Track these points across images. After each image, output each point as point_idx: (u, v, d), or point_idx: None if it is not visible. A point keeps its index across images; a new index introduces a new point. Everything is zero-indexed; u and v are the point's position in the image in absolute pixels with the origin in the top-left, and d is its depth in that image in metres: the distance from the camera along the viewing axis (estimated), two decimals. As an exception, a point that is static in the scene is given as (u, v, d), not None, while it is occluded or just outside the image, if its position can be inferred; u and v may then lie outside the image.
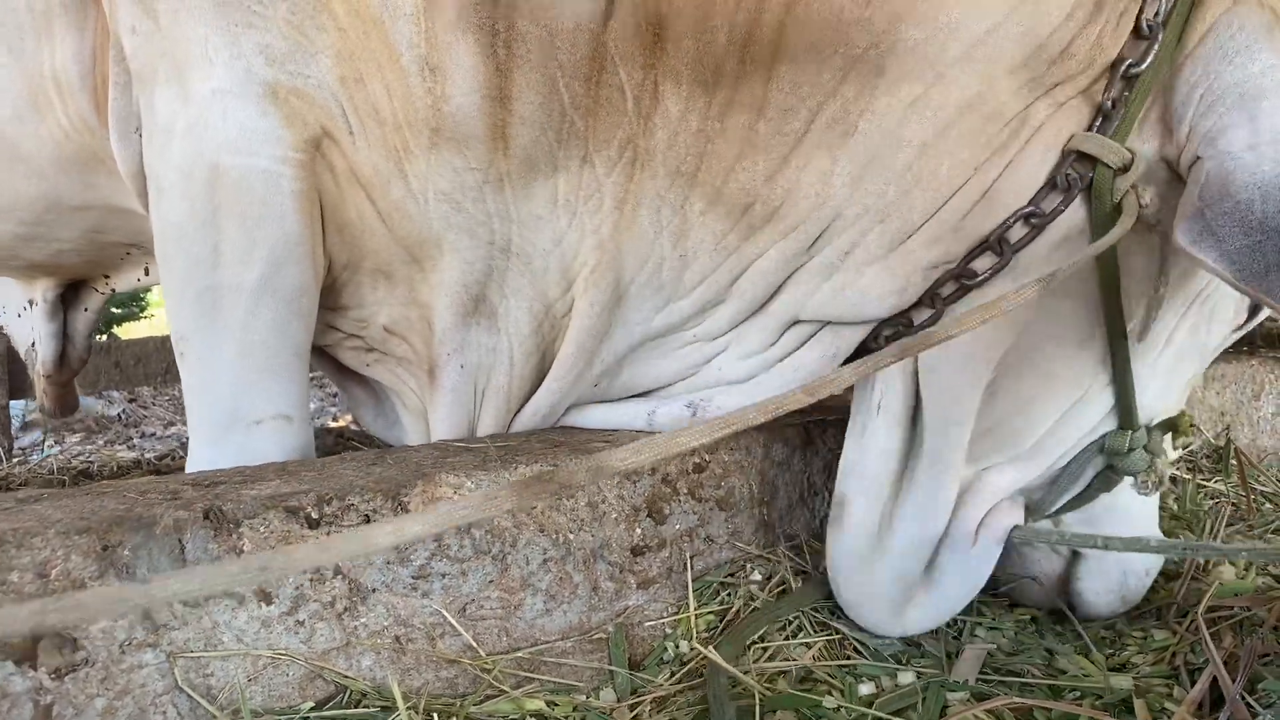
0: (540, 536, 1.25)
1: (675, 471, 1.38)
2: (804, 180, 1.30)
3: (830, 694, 1.23)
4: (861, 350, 1.40)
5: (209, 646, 1.05)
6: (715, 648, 1.24)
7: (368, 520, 1.14)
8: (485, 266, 1.44)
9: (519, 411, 1.54)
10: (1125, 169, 1.18)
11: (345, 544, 0.82)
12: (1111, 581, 1.42)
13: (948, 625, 1.42)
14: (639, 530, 1.34)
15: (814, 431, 1.56)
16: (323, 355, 1.69)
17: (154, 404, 5.02)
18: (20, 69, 1.57)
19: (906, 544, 1.35)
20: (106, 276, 2.31)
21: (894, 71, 1.21)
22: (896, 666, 1.32)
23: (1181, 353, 1.35)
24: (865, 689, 1.26)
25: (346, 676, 1.11)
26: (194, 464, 1.43)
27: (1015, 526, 1.37)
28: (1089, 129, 1.21)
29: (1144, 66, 1.18)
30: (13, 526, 0.99)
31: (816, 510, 1.55)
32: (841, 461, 1.39)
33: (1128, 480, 1.37)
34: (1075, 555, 1.44)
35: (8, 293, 2.45)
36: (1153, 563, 1.44)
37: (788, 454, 1.52)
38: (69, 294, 2.39)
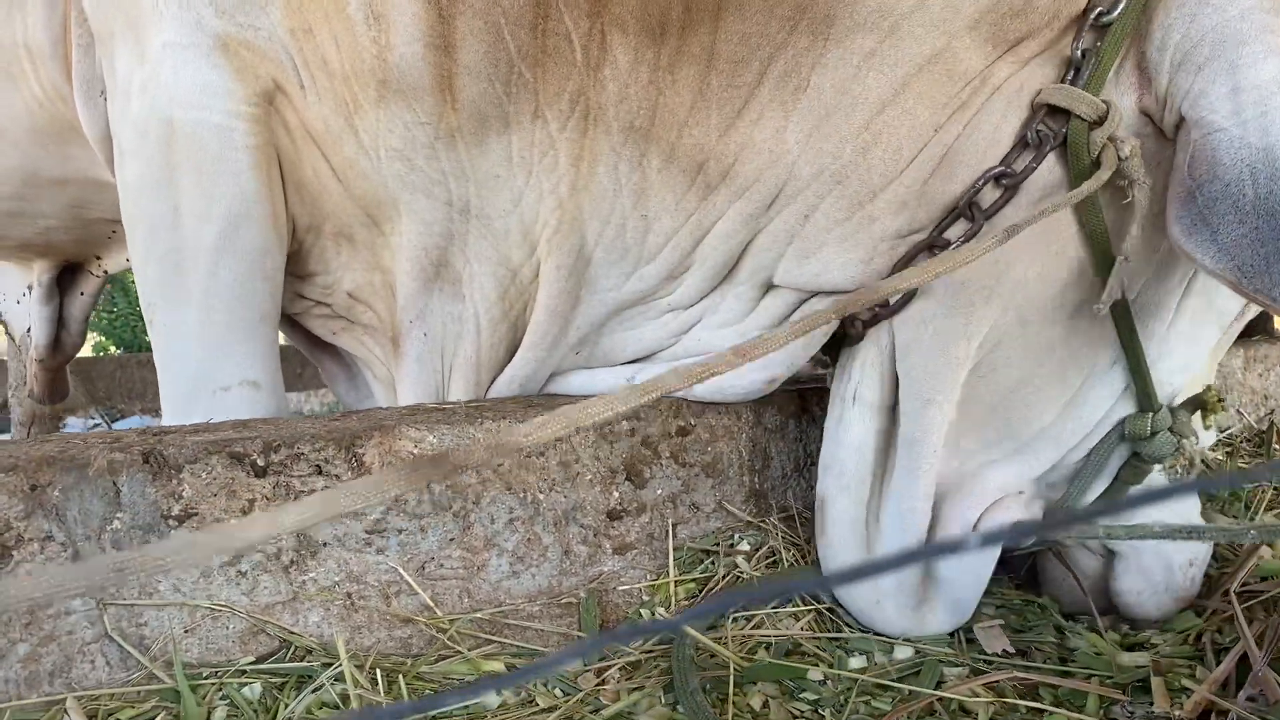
0: (506, 495, 1.18)
1: (657, 434, 1.31)
2: (757, 137, 1.23)
3: (817, 666, 1.15)
4: (843, 331, 1.32)
5: (143, 595, 0.99)
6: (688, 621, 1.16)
7: (319, 471, 1.09)
8: (445, 229, 1.39)
9: (495, 382, 1.48)
10: (1100, 121, 1.10)
11: (213, 538, 0.76)
12: (1155, 579, 1.28)
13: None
14: (616, 493, 1.27)
15: (810, 399, 1.48)
16: (294, 326, 1.65)
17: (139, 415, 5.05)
18: None
19: (895, 543, 1.26)
20: (98, 257, 2.29)
21: (845, 20, 1.14)
22: (892, 641, 1.23)
23: (1196, 320, 1.25)
24: (855, 662, 1.18)
25: (291, 632, 1.05)
26: None
27: (1015, 523, 1.25)
28: (1061, 83, 1.13)
29: (1115, 14, 1.10)
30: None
31: (813, 481, 1.46)
32: (820, 457, 1.32)
33: (1157, 469, 1.27)
34: (1111, 554, 1.33)
35: (8, 280, 2.45)
36: (1197, 552, 1.30)
37: (781, 421, 1.44)
38: (65, 277, 2.38)
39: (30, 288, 2.36)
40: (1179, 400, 1.27)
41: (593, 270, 1.38)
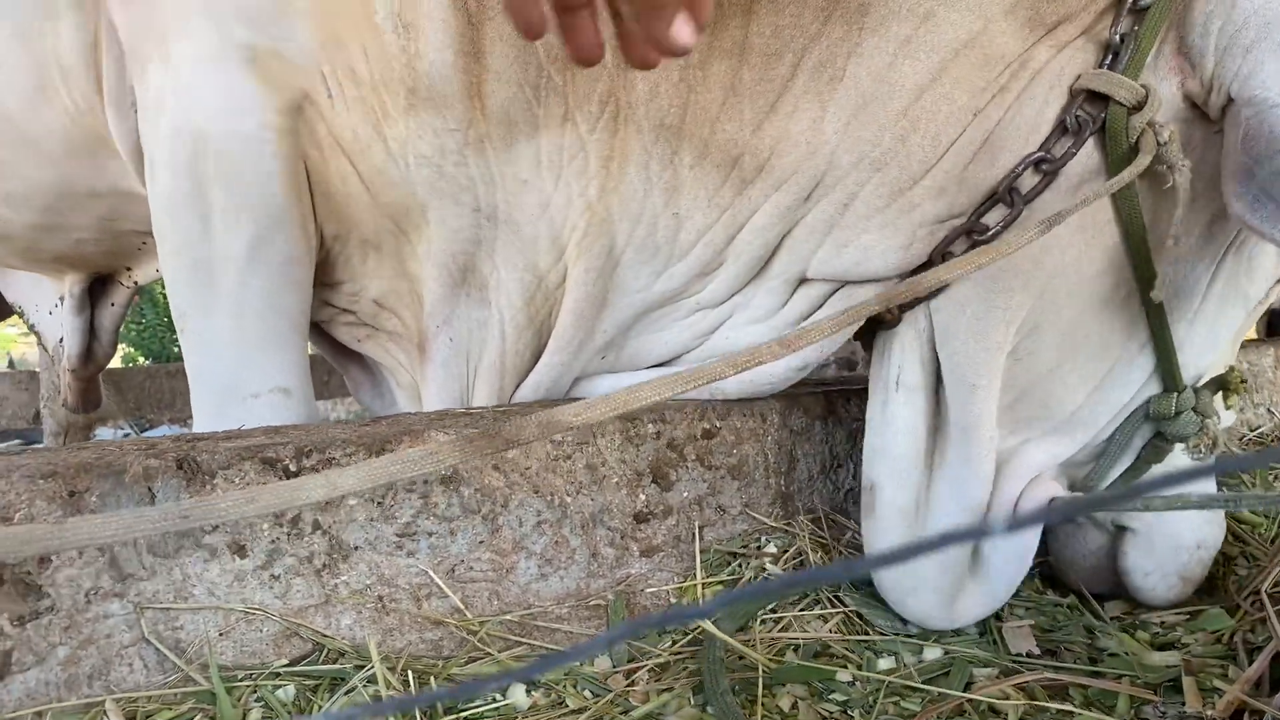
0: (534, 498, 1.19)
1: (682, 437, 1.31)
2: (793, 129, 1.23)
3: (845, 668, 1.15)
4: (878, 321, 1.32)
5: (179, 599, 1.01)
6: (716, 619, 1.17)
7: (350, 475, 1.10)
8: (472, 235, 1.40)
9: (519, 387, 1.49)
10: (1139, 106, 1.10)
11: (273, 496, 0.78)
12: (1162, 558, 1.29)
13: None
14: (643, 496, 1.27)
15: (836, 400, 1.48)
16: (321, 334, 1.67)
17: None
18: (28, 54, 1.59)
19: (948, 526, 1.25)
20: (129, 269, 2.32)
21: (879, 9, 1.15)
22: (922, 642, 1.23)
23: (1223, 304, 1.25)
24: (884, 664, 1.18)
25: (324, 635, 1.06)
26: None
27: (1053, 499, 1.27)
28: (1100, 68, 1.14)
29: None
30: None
31: (840, 483, 1.47)
32: (865, 445, 1.31)
33: (1179, 448, 1.27)
34: (1119, 530, 1.33)
35: (41, 291, 2.49)
36: (1206, 535, 1.31)
37: (807, 423, 1.44)
38: (95, 288, 2.41)
39: (62, 299, 2.40)
40: (1203, 381, 1.27)
41: (621, 272, 1.39)
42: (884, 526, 1.28)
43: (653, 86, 1.25)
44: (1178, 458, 1.30)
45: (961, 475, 1.24)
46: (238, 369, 1.39)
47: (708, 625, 1.14)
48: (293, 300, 1.41)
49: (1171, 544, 1.29)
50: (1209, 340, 1.26)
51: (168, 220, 1.39)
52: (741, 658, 1.14)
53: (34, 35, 1.56)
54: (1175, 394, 1.23)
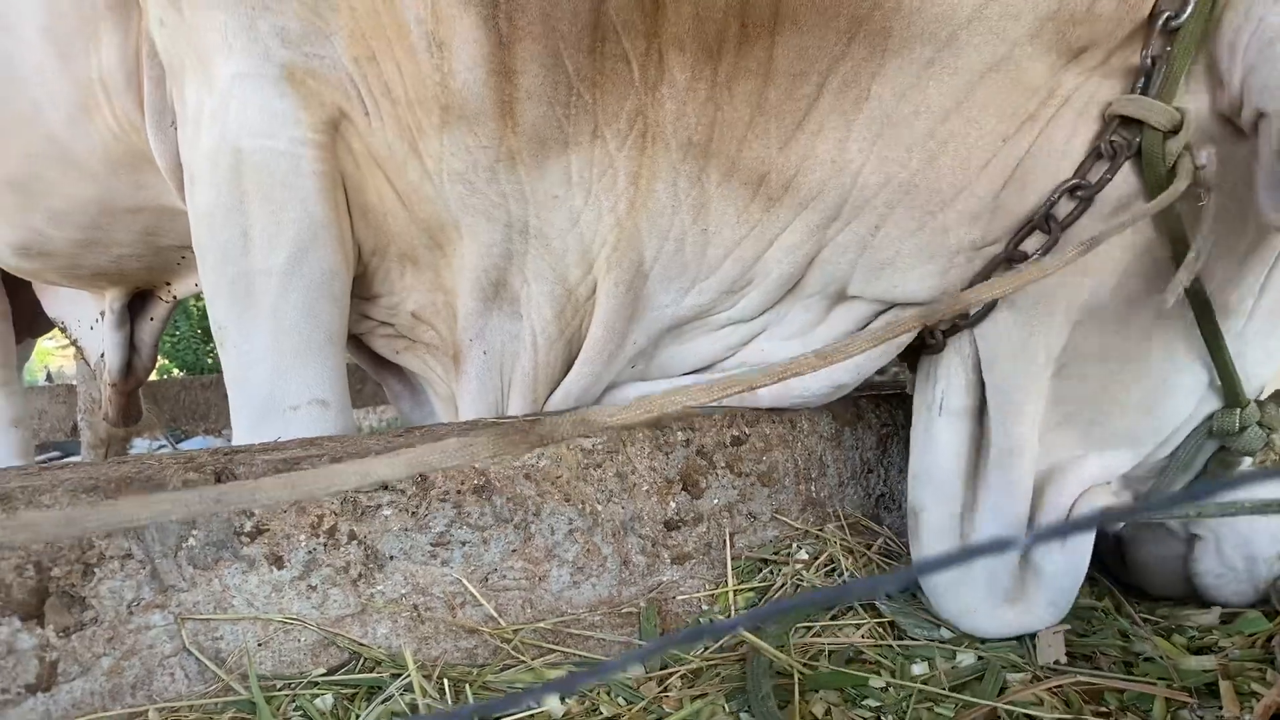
0: (565, 506, 1.20)
1: (711, 444, 1.32)
2: (819, 148, 1.24)
3: (879, 674, 1.15)
4: (921, 341, 1.34)
5: (219, 610, 1.03)
6: (756, 627, 1.17)
7: (384, 486, 1.11)
8: (504, 249, 1.42)
9: (551, 396, 1.51)
10: (1175, 130, 1.10)
11: (312, 482, 0.79)
12: (1233, 562, 1.31)
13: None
14: (673, 504, 1.28)
15: (865, 406, 1.48)
16: (359, 346, 1.69)
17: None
18: (70, 74, 1.62)
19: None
20: (168, 283, 2.36)
21: (902, 32, 1.15)
22: (955, 648, 1.23)
23: (1273, 316, 1.25)
24: (918, 669, 1.18)
25: (360, 644, 1.08)
26: None
27: (1105, 508, 1.26)
28: (1131, 92, 1.14)
29: (1184, 17, 1.10)
30: (23, 484, 0.99)
31: (871, 488, 1.47)
32: (910, 467, 1.33)
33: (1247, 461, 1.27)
34: (1193, 538, 1.34)
35: (82, 307, 2.53)
36: None
37: (836, 429, 1.44)
38: (135, 303, 2.45)
39: (102, 314, 2.44)
40: (1266, 393, 1.27)
41: (650, 286, 1.40)
42: (929, 548, 1.30)
43: (680, 105, 1.26)
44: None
45: (1003, 496, 1.25)
46: (277, 381, 1.41)
47: (745, 635, 1.14)
48: (331, 313, 1.43)
49: (1245, 552, 1.30)
50: (1263, 353, 1.26)
51: (208, 235, 1.41)
52: (771, 663, 1.14)
53: (76, 56, 1.59)
54: (1239, 409, 1.23)
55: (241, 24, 1.31)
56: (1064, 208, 1.18)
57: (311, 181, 1.36)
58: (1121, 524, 1.38)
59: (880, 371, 1.42)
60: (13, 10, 1.60)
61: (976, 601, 1.26)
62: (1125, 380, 1.24)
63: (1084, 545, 1.27)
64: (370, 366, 1.74)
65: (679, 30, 1.21)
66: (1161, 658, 1.18)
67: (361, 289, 1.54)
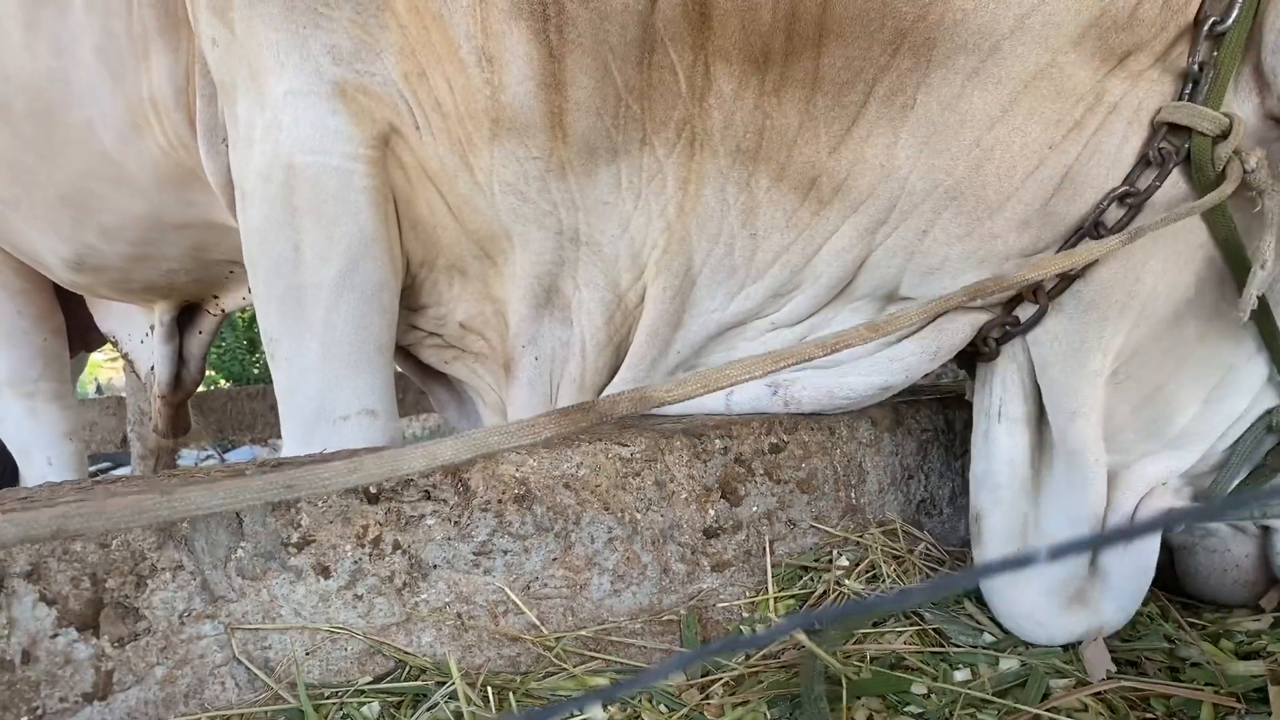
0: (605, 515, 1.21)
1: (749, 452, 1.32)
2: (868, 152, 1.26)
3: (921, 680, 1.15)
4: (975, 349, 1.34)
5: (267, 619, 1.05)
6: (813, 634, 1.18)
7: (428, 496, 1.13)
8: (555, 257, 1.44)
9: None
10: (1224, 135, 1.11)
11: (376, 466, 0.81)
12: None
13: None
14: (712, 512, 1.28)
15: (904, 411, 1.48)
16: (406, 356, 1.71)
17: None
18: (122, 93, 1.66)
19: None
20: (215, 296, 2.41)
21: (945, 43, 1.17)
22: (998, 654, 1.22)
23: None
24: (960, 675, 1.17)
25: (406, 652, 1.09)
26: None
27: (1169, 509, 1.26)
28: (1178, 97, 1.15)
29: (1230, 21, 1.10)
30: (81, 509, 1.01)
31: (911, 494, 1.46)
32: (970, 473, 1.34)
33: None
34: (1266, 530, 1.32)
35: (133, 321, 2.59)
36: None
37: (875, 435, 1.44)
38: (183, 317, 2.50)
39: (152, 328, 2.49)
40: None
41: (698, 291, 1.42)
42: (990, 553, 1.29)
43: (727, 114, 1.28)
44: None
45: (1071, 499, 1.25)
46: (327, 392, 1.43)
47: (802, 637, 1.15)
48: (380, 324, 1.45)
49: None
50: None
51: (259, 249, 1.44)
52: (826, 668, 1.15)
53: (128, 75, 1.63)
54: None
55: (293, 42, 1.34)
56: (1113, 214, 1.18)
57: (363, 196, 1.39)
58: (1180, 528, 1.36)
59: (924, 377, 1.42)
60: (67, 33, 1.65)
61: (1039, 605, 1.25)
62: (1183, 379, 1.24)
63: (1150, 548, 1.26)
64: (417, 376, 1.77)
65: (725, 42, 1.23)
66: (1209, 663, 1.17)
67: (409, 300, 1.56)
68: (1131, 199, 1.17)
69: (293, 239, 1.40)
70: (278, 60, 1.36)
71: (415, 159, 1.41)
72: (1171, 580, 1.42)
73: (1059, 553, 0.38)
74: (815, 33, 1.20)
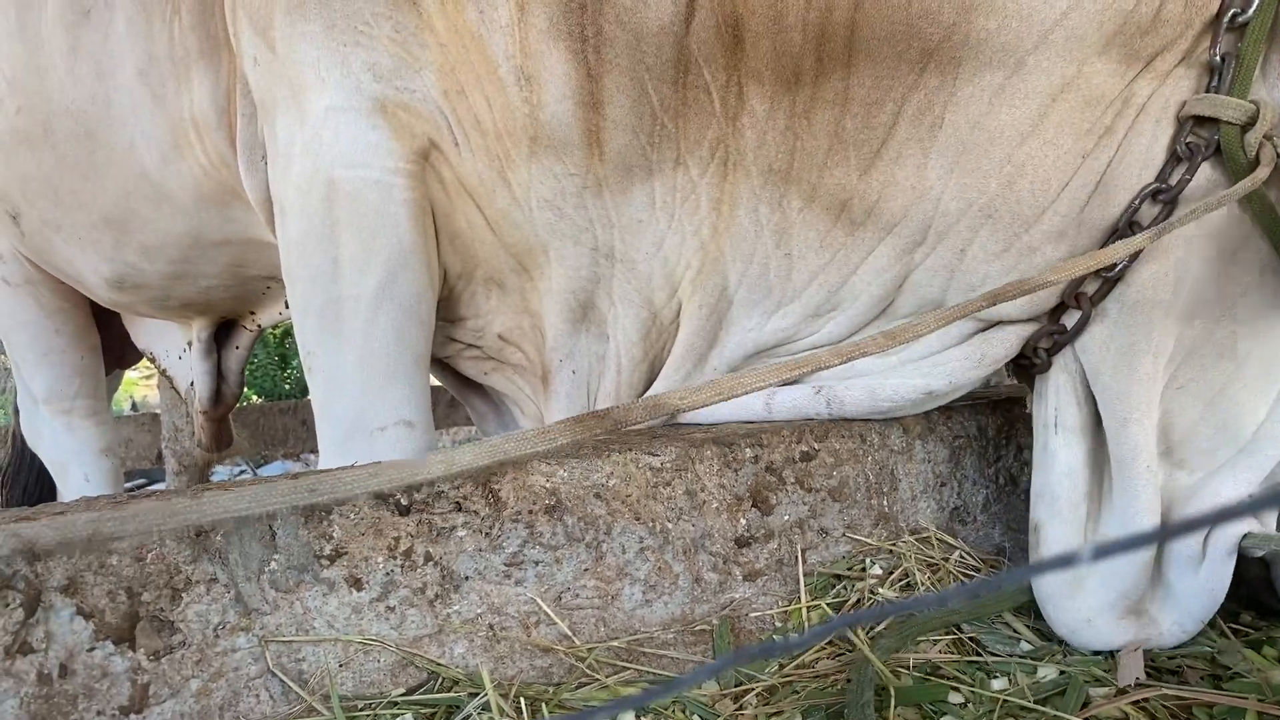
0: (636, 525, 1.21)
1: (780, 460, 1.31)
2: (899, 174, 1.27)
3: (958, 690, 1.13)
4: (1028, 361, 1.34)
5: (300, 632, 1.05)
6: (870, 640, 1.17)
7: (458, 507, 1.13)
8: (591, 273, 1.45)
9: None
10: (1251, 123, 1.10)
11: (395, 471, 0.81)
12: None
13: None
14: (743, 521, 1.28)
15: (936, 419, 1.47)
16: (444, 368, 1.73)
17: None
18: (164, 115, 1.68)
19: (1117, 561, 1.23)
20: (252, 312, 2.43)
21: (971, 62, 1.18)
22: (1036, 663, 1.21)
23: None
24: (997, 684, 1.16)
25: (438, 664, 1.09)
26: None
27: (1246, 534, 1.19)
28: (1206, 91, 1.15)
29: (1250, 12, 1.11)
30: (115, 514, 1.02)
31: (944, 501, 1.45)
32: (1031, 485, 1.33)
33: None
34: None
35: (170, 337, 2.62)
36: None
37: (907, 442, 1.43)
38: (221, 333, 2.53)
39: (189, 344, 2.52)
40: None
41: (734, 311, 1.43)
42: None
43: (760, 134, 1.29)
44: None
45: (1124, 508, 1.23)
46: (364, 403, 1.44)
47: (856, 639, 1.14)
48: (418, 336, 1.46)
49: None
50: None
51: (298, 264, 1.45)
52: (850, 680, 1.13)
53: (169, 96, 1.66)
54: None
55: (334, 59, 1.36)
56: (1147, 213, 1.18)
57: (403, 209, 1.40)
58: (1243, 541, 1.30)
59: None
60: (109, 58, 1.67)
61: (1095, 611, 1.23)
62: (1245, 379, 1.23)
63: (1223, 571, 1.20)
64: (454, 388, 1.78)
65: (758, 63, 1.25)
66: (1252, 671, 1.14)
67: (448, 312, 1.58)
68: (1164, 195, 1.16)
69: (331, 252, 1.41)
70: (318, 77, 1.38)
71: (454, 174, 1.42)
72: (1269, 594, 1.36)
73: (1103, 553, 0.37)
74: (844, 53, 1.21)
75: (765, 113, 1.29)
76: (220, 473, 4.78)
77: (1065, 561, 0.37)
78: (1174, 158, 1.16)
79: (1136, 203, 1.17)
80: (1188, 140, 1.15)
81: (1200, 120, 1.14)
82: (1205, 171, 1.16)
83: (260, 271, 2.07)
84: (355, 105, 1.37)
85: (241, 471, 4.99)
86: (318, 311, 1.44)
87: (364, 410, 1.44)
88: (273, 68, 1.44)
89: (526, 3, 1.25)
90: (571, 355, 1.51)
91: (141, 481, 4.89)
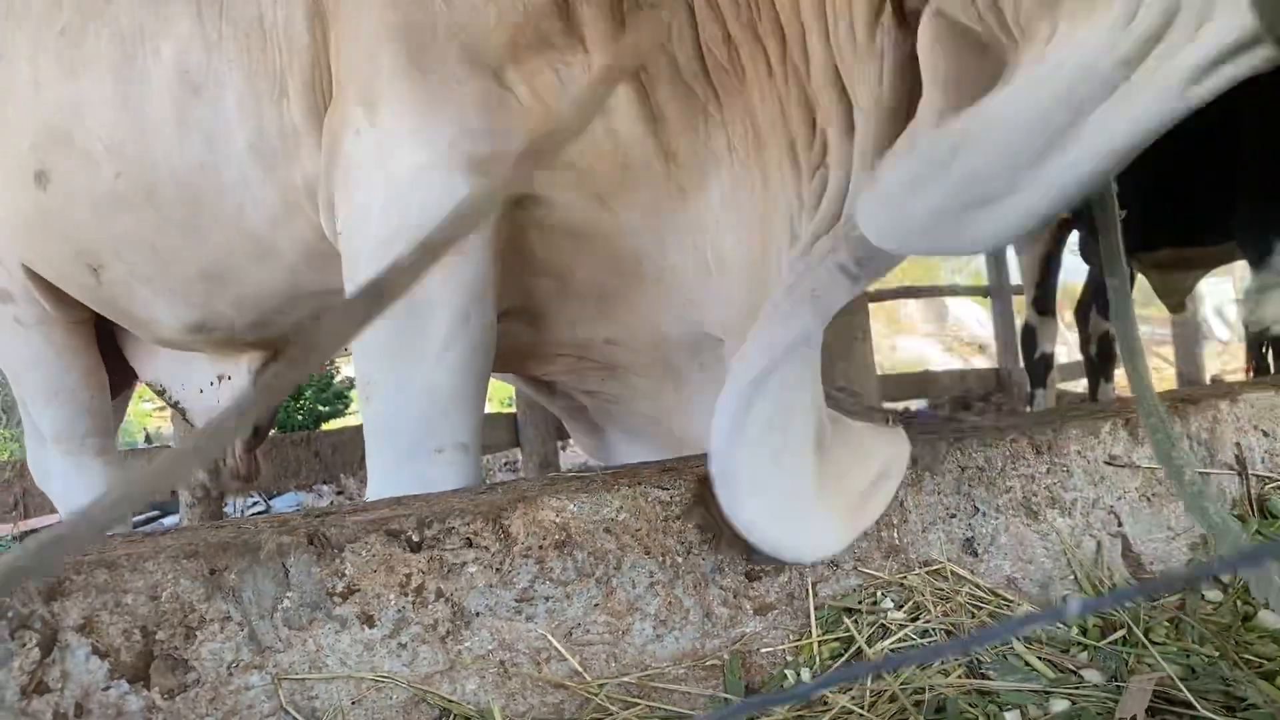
0: (646, 559, 1.21)
1: (791, 492, 1.32)
2: None
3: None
4: None
5: (313, 669, 1.06)
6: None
7: (469, 543, 1.14)
8: (690, 274, 1.57)
9: None
10: None
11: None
12: None
13: (1114, 648, 1.28)
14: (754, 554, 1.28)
15: (944, 449, 1.47)
16: (538, 383, 1.85)
17: (359, 495, 5.26)
18: (274, 182, 1.75)
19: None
20: (299, 346, 2.44)
21: None
22: (1049, 690, 1.20)
23: None
24: (1010, 717, 1.15)
25: (450, 700, 1.10)
26: (371, 496, 1.50)
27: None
28: None
29: None
30: (128, 552, 1.03)
31: (954, 534, 1.45)
32: None
33: None
34: None
35: (191, 369, 2.61)
36: None
37: (916, 474, 1.43)
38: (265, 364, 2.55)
39: (220, 377, 2.53)
40: None
41: None
42: None
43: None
44: None
45: None
46: (425, 427, 1.50)
47: (889, 679, 1.14)
48: (483, 364, 1.54)
49: None
50: None
51: None
52: (871, 707, 1.13)
53: (280, 166, 1.73)
54: None
55: (427, 123, 1.45)
56: None
57: (483, 252, 1.48)
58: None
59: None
60: (219, 131, 1.74)
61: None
62: None
63: None
64: (546, 399, 1.90)
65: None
66: (1267, 702, 1.14)
67: (548, 331, 1.74)
68: None
69: (409, 295, 1.47)
70: (409, 136, 1.47)
71: (550, 213, 1.53)
72: None
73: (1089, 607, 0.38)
74: None
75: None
76: (232, 504, 4.79)
77: (1054, 615, 0.38)
78: None
79: None
80: None
81: None
82: None
83: None
84: (446, 162, 1.46)
85: (255, 503, 5.00)
86: (386, 342, 1.51)
87: (425, 434, 1.50)
88: (369, 136, 1.51)
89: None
90: (696, 353, 1.69)
91: (154, 514, 4.89)
